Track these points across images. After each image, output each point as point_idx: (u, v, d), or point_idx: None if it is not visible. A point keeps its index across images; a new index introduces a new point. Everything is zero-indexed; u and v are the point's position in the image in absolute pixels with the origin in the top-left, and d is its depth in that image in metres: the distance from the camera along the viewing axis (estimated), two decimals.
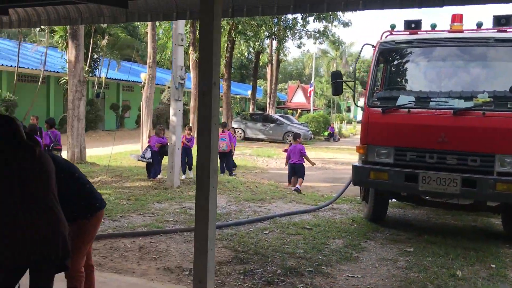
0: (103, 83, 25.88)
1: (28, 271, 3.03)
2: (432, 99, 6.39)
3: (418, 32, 7.11)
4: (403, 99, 6.49)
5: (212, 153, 4.04)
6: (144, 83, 17.44)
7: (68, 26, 20.72)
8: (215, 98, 4.06)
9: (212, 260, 4.10)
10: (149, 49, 16.03)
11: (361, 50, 7.03)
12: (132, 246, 5.81)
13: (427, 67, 7.03)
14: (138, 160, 11.35)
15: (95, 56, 23.70)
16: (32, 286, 3.05)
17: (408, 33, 7.15)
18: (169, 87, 30.12)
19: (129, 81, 28.54)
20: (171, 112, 10.12)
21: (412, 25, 7.09)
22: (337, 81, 7.00)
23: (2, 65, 21.06)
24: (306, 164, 10.88)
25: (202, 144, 4.06)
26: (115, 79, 28.12)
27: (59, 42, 22.29)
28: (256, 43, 22.13)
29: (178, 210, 7.86)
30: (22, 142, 3.11)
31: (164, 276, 4.89)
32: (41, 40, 23.50)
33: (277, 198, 9.30)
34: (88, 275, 3.76)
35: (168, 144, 10.53)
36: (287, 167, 11.21)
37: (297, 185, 10.50)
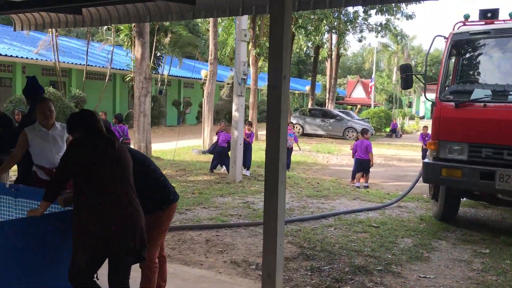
0: (165, 80, 26.57)
1: (106, 261, 3.14)
2: (511, 93, 6.01)
3: (495, 22, 6.70)
4: (478, 93, 6.15)
5: (281, 148, 4.01)
6: (205, 79, 17.72)
7: (133, 25, 21.48)
8: (285, 92, 4.02)
9: (281, 255, 4.08)
10: (211, 46, 16.25)
11: (432, 42, 6.76)
12: (199, 238, 5.91)
13: (505, 59, 6.61)
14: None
15: (158, 54, 24.35)
16: (111, 275, 3.16)
17: (483, 23, 6.76)
18: (228, 84, 30.47)
19: (190, 78, 29.14)
20: (234, 107, 10.20)
21: (488, 15, 6.70)
22: (406, 74, 6.74)
23: (72, 63, 22.14)
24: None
25: (271, 139, 4.03)
26: (176, 76, 28.80)
27: (124, 40, 23.07)
28: (316, 37, 21.86)
29: (242, 204, 7.91)
30: (102, 135, 3.22)
31: (231, 269, 4.92)
32: (107, 39, 24.44)
33: (340, 195, 9.15)
34: (160, 266, 3.85)
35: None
36: (350, 162, 11.10)
37: (365, 183, 10.37)
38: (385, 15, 23.53)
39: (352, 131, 24.11)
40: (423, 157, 15.03)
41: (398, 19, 24.46)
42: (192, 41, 25.90)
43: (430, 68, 48.15)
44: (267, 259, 4.06)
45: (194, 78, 29.36)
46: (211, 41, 16.21)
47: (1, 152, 4.96)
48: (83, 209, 3.05)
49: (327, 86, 33.16)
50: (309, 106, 29.92)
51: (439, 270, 5.07)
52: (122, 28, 22.33)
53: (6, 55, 18.95)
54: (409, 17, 23.81)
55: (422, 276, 4.87)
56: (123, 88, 25.84)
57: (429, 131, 14.80)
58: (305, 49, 30.08)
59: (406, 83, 6.82)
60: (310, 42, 24.48)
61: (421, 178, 7.25)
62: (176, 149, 13.46)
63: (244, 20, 9.84)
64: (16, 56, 19.43)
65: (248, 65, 18.57)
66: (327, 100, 32.61)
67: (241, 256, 5.34)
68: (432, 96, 6.85)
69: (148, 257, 3.46)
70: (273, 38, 3.99)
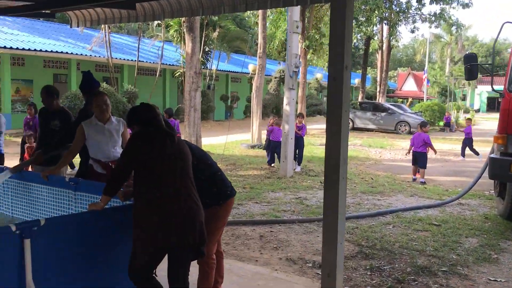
0: (214, 75, 26.72)
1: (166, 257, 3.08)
2: None
3: None
4: None
5: (342, 141, 3.82)
6: (253, 74, 17.65)
7: (182, 20, 21.66)
8: (346, 83, 3.83)
9: (341, 254, 3.90)
10: (260, 40, 16.12)
11: (500, 29, 6.28)
12: (253, 234, 5.81)
13: None
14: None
15: (207, 49, 24.47)
16: (170, 271, 3.10)
17: None
18: (275, 77, 30.30)
19: (237, 72, 29.20)
20: (285, 101, 10.03)
21: None
22: (471, 64, 6.34)
23: (124, 59, 22.63)
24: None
25: (332, 132, 3.85)
26: (224, 71, 28.91)
27: (174, 36, 23.34)
28: (368, 28, 21.26)
29: (294, 200, 7.76)
30: (160, 128, 3.15)
31: (287, 266, 4.80)
32: (157, 35, 24.82)
33: (396, 191, 8.81)
34: (218, 262, 3.77)
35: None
36: (407, 156, 10.81)
37: (421, 179, 9.95)
38: (440, 4, 22.57)
39: (404, 125, 23.33)
40: (462, 149, 14.14)
41: (453, 8, 23.42)
42: (240, 36, 25.87)
43: (487, 59, 45.95)
44: (326, 257, 3.90)
45: (242, 72, 29.42)
46: (260, 34, 16.07)
47: (60, 146, 5.04)
48: (142, 203, 3.01)
49: (378, 78, 32.30)
50: (359, 99, 29.27)
51: (510, 273, 4.73)
52: (171, 24, 22.62)
53: (62, 52, 19.60)
54: (465, 5, 22.75)
55: (492, 279, 4.56)
56: (172, 83, 26.21)
57: (471, 124, 14.23)
58: (354, 40, 29.33)
59: (471, 73, 6.41)
60: (361, 34, 23.86)
61: (484, 174, 6.84)
62: (226, 144, 13.47)
63: (297, 12, 9.61)
64: (72, 53, 20.06)
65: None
66: (377, 93, 31.78)
67: (296, 253, 5.20)
68: (497, 87, 6.42)
69: (206, 253, 3.38)
70: (334, 27, 3.80)
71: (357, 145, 17.19)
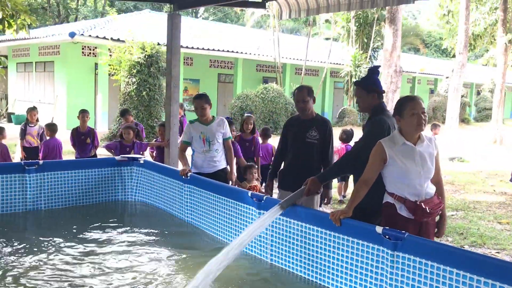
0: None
1: None
2: None
3: None
4: None
5: None
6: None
7: (353, 15, 19.94)
8: None
9: None
10: (460, 34, 13.63)
11: None
12: None
13: None
14: None
15: (375, 45, 22.31)
16: None
17: None
18: (446, 77, 27.03)
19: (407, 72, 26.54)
20: None
21: None
22: None
23: (290, 58, 21.44)
24: None
25: None
26: None
27: (340, 33, 21.74)
28: None
29: None
30: None
31: None
32: (323, 32, 23.43)
33: None
34: None
35: None
36: None
37: None
38: None
39: None
40: None
41: None
42: (415, 30, 23.23)
43: None
44: None
45: (407, 71, 26.76)
46: (461, 26, 13.58)
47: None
48: None
49: None
50: None
51: None
52: (338, 20, 21.06)
53: (230, 51, 19.02)
54: None
55: None
56: (331, 84, 24.53)
57: None
58: None
59: None
60: None
61: None
62: None
63: None
64: (239, 52, 19.40)
65: None
66: None
67: None
68: None
69: None
70: None
71: None
